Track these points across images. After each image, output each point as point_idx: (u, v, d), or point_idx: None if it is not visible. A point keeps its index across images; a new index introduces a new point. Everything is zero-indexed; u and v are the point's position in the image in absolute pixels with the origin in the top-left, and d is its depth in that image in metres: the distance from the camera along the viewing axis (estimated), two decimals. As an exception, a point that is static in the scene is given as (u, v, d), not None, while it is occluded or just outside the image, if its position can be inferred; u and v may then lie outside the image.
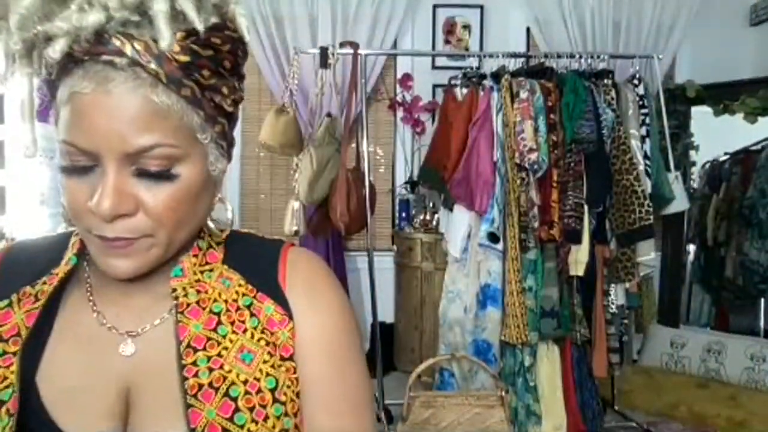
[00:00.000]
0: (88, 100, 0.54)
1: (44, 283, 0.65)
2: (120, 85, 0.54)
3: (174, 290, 0.64)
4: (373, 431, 0.70)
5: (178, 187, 0.58)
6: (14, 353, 0.60)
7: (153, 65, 0.53)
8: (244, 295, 0.67)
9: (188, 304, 0.64)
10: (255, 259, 0.70)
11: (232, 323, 0.64)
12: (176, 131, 0.57)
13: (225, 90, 0.59)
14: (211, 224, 0.68)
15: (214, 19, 0.56)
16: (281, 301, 0.67)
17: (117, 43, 0.53)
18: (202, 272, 0.67)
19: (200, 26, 0.54)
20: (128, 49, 0.53)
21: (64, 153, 0.57)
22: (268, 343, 0.64)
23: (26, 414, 0.59)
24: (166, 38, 0.53)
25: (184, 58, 0.55)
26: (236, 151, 3.65)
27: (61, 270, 0.65)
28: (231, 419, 0.59)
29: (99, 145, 0.55)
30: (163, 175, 0.57)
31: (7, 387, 0.59)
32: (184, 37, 0.54)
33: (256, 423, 0.60)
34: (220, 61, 0.58)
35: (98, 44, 0.53)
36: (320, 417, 0.66)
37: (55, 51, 0.52)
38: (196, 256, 0.67)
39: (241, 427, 0.59)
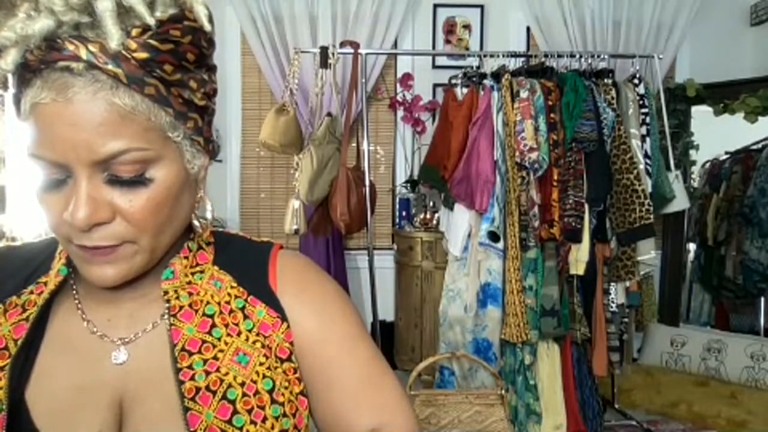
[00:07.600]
0: (49, 111, 0.51)
1: (31, 292, 0.63)
2: (80, 91, 0.51)
3: (166, 293, 0.63)
4: (398, 395, 0.69)
5: (156, 190, 0.56)
6: (2, 368, 0.58)
7: (111, 66, 0.51)
8: (236, 297, 0.66)
9: (181, 307, 0.63)
10: (245, 261, 0.70)
11: (226, 326, 0.63)
12: (145, 132, 0.54)
13: (193, 84, 0.57)
14: (195, 222, 0.65)
15: (171, 11, 0.53)
16: (273, 303, 0.67)
17: (71, 47, 0.50)
18: (193, 274, 0.66)
19: (150, 20, 0.51)
20: (83, 53, 0.50)
21: (37, 167, 0.54)
22: (263, 346, 0.64)
23: None
24: (114, 37, 0.50)
25: (142, 55, 0.51)
26: (236, 151, 3.71)
27: (52, 281, 0.63)
28: (230, 422, 0.59)
29: (67, 156, 0.52)
30: (137, 181, 0.55)
31: None
32: (140, 32, 0.51)
33: (255, 424, 0.60)
34: (182, 54, 0.54)
35: (52, 51, 0.50)
36: (342, 399, 0.66)
37: (7, 63, 0.50)
38: (186, 257, 0.66)
39: (240, 429, 0.59)
